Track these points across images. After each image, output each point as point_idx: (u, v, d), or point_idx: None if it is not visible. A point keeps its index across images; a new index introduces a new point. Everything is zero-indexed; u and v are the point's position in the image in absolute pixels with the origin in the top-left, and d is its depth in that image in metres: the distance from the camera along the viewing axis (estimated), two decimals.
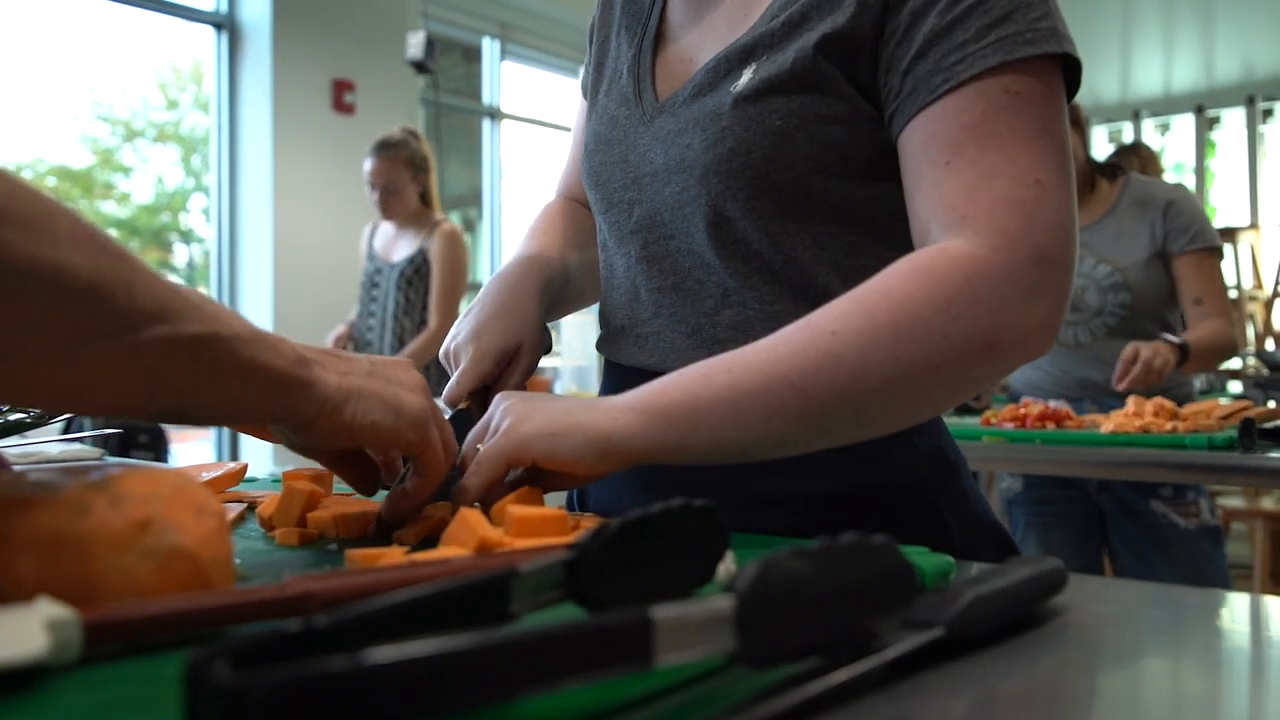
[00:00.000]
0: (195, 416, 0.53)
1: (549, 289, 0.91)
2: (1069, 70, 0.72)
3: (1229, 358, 2.24)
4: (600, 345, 0.93)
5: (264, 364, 0.54)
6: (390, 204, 3.23)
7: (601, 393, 0.92)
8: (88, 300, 0.45)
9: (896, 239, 0.75)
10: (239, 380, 0.53)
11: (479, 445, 0.69)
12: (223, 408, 0.54)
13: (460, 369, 0.83)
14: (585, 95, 0.98)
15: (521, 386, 0.86)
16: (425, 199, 3.31)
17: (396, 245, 3.30)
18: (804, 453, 0.68)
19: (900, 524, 0.74)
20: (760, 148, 0.74)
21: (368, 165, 3.21)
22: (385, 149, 3.19)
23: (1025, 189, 0.66)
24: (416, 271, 3.22)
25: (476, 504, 0.66)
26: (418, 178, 3.26)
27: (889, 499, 0.79)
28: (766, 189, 0.75)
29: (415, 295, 3.23)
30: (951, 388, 0.66)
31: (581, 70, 1.01)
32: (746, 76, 0.75)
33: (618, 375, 0.89)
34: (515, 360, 0.85)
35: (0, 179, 0.43)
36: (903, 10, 0.70)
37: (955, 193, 0.67)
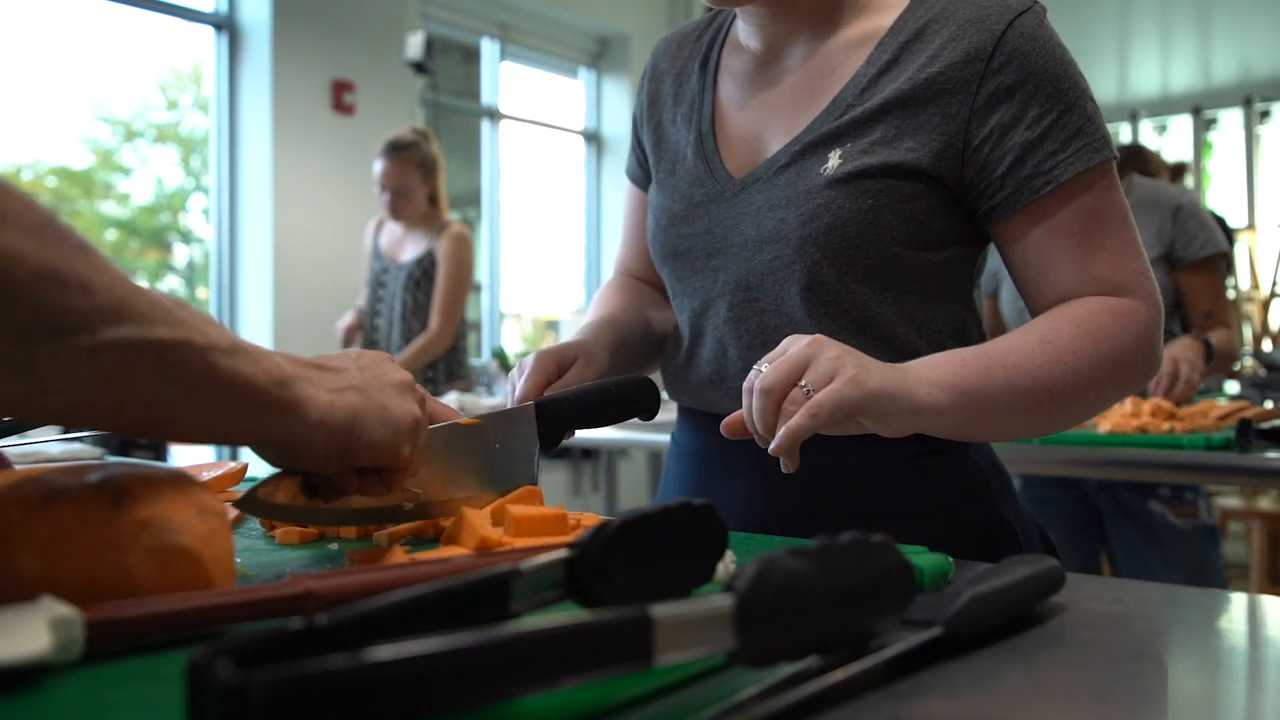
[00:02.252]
0: (169, 433, 0.49)
1: (616, 343, 0.97)
2: None
3: (1231, 365, 2.26)
4: (684, 395, 0.98)
5: (245, 378, 0.49)
6: (400, 206, 3.19)
7: (681, 438, 1.01)
8: (35, 292, 0.41)
9: (957, 294, 0.90)
10: (215, 395, 0.48)
11: (802, 383, 0.67)
12: (200, 426, 0.49)
13: (526, 372, 0.87)
14: (635, 182, 1.08)
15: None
16: (433, 200, 3.27)
17: (404, 246, 3.27)
18: (1007, 439, 0.82)
19: (974, 531, 0.84)
20: (855, 223, 0.84)
21: (378, 167, 3.16)
22: (396, 151, 3.14)
23: (1139, 259, 0.84)
24: (425, 274, 3.19)
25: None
26: (428, 180, 3.21)
27: (959, 509, 0.88)
28: (859, 258, 0.85)
29: (423, 297, 3.19)
30: (1111, 405, 0.84)
31: (627, 159, 1.09)
32: (834, 161, 0.85)
33: (699, 422, 0.97)
34: (573, 366, 0.89)
35: None
36: (989, 122, 0.83)
37: (1101, 267, 0.83)
